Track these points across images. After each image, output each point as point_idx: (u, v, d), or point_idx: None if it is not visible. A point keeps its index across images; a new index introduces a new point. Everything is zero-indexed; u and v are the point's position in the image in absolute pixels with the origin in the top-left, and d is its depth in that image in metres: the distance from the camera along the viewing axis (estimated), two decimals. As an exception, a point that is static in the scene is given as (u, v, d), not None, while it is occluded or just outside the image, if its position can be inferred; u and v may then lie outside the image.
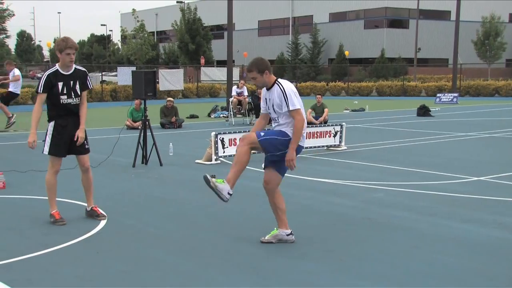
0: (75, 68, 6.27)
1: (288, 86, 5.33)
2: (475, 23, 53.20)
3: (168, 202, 7.39)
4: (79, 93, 6.26)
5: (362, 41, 58.14)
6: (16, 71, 15.62)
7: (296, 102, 5.27)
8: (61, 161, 6.41)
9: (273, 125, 5.51)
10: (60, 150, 6.29)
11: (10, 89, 15.74)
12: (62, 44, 6.05)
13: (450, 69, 41.92)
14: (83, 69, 6.45)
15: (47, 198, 6.38)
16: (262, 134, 5.29)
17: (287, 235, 5.55)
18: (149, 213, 6.81)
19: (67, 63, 6.12)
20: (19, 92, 16.00)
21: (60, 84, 6.13)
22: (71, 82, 6.19)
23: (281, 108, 5.28)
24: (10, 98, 15.82)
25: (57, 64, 6.24)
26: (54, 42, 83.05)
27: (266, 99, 5.47)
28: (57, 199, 6.83)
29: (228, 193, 5.20)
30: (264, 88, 5.50)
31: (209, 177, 5.16)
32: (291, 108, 5.24)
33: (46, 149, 6.28)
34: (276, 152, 5.31)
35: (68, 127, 6.25)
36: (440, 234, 5.97)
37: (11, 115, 15.39)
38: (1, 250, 5.27)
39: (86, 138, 6.42)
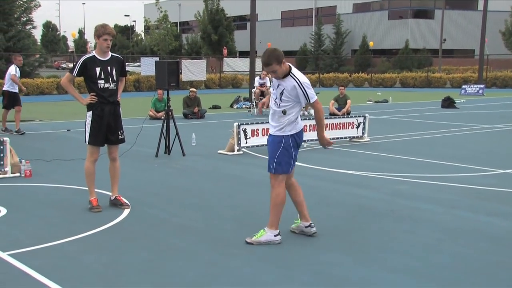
0: (111, 55, 6.45)
1: (302, 78, 5.31)
2: (503, 13, 52.11)
3: (191, 192, 7.44)
4: (115, 78, 6.42)
5: (386, 32, 57.52)
6: (12, 69, 13.39)
7: (313, 92, 5.27)
8: (100, 149, 6.54)
9: (270, 114, 5.44)
10: (99, 139, 6.42)
11: (5, 89, 13.48)
12: (101, 30, 6.22)
13: (476, 60, 41.30)
14: (120, 56, 6.65)
15: (72, 186, 6.46)
16: (270, 165, 5.34)
17: (305, 227, 5.55)
18: (172, 203, 6.85)
19: (104, 48, 6.29)
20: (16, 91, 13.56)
21: (98, 69, 6.29)
22: (108, 68, 6.36)
23: (297, 98, 5.23)
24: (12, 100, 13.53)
25: (93, 51, 6.40)
26: (78, 32, 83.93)
27: (277, 85, 5.38)
28: (80, 187, 6.93)
29: (276, 236, 5.33)
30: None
31: (248, 241, 5.30)
32: (311, 101, 5.24)
33: (86, 139, 6.42)
34: (290, 159, 5.32)
35: (104, 117, 6.38)
36: (464, 227, 5.90)
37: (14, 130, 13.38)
38: (29, 237, 5.36)
39: (121, 128, 6.58)
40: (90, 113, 6.36)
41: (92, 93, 6.33)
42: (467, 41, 55.76)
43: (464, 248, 5.22)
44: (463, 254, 5.08)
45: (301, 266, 4.72)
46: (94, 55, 6.32)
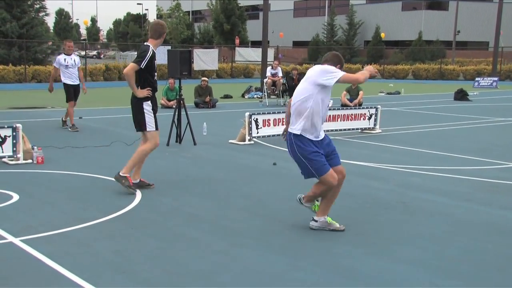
0: None
1: None
2: (519, 5, 51.53)
3: (201, 181, 7.44)
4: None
5: (399, 23, 57.04)
6: (55, 60, 12.26)
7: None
8: None
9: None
10: (157, 124, 6.84)
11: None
12: (163, 30, 6.66)
13: (490, 53, 40.87)
14: None
15: (83, 174, 6.50)
16: (301, 173, 5.36)
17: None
18: (183, 192, 6.86)
19: (159, 45, 6.70)
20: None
21: (155, 62, 6.66)
22: (155, 63, 6.72)
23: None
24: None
25: (150, 45, 6.58)
26: (91, 20, 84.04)
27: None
28: (91, 175, 6.97)
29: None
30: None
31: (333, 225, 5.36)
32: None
33: (153, 126, 6.74)
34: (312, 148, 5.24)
35: (154, 106, 6.81)
36: (477, 220, 5.86)
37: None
38: (41, 224, 5.40)
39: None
40: (148, 102, 6.66)
41: (148, 87, 6.63)
42: (482, 33, 55.14)
43: (477, 241, 5.18)
44: (475, 247, 5.04)
45: (311, 257, 4.71)
46: (153, 49, 6.57)
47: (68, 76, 11.79)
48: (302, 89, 5.22)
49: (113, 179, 6.77)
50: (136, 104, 6.67)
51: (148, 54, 6.46)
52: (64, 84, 11.88)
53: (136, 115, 6.72)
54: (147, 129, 6.71)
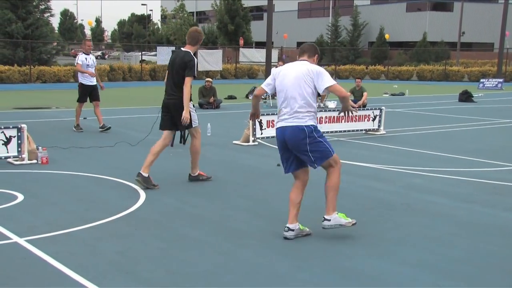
0: None
1: None
2: (524, 6, 51.40)
3: (205, 182, 7.45)
4: None
5: (403, 24, 56.98)
6: (77, 58, 11.93)
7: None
8: None
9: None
10: None
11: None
12: (200, 36, 7.02)
13: (495, 54, 40.76)
14: None
15: (88, 174, 6.54)
16: (313, 162, 5.32)
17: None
18: (187, 193, 6.88)
19: (196, 51, 7.10)
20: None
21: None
22: None
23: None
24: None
25: (190, 51, 6.93)
26: (95, 21, 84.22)
27: None
28: (96, 175, 7.00)
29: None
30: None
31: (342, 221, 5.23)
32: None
33: (197, 122, 7.27)
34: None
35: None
36: (481, 222, 5.86)
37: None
38: (46, 224, 5.42)
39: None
40: (191, 103, 7.12)
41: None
42: (487, 34, 55.03)
43: (480, 243, 5.18)
44: (479, 248, 5.04)
45: (314, 258, 4.71)
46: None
47: (87, 75, 11.62)
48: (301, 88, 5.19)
49: (116, 179, 6.79)
50: (182, 104, 6.98)
51: (195, 62, 6.89)
52: (82, 84, 11.70)
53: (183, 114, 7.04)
54: (193, 125, 7.16)
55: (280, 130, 5.23)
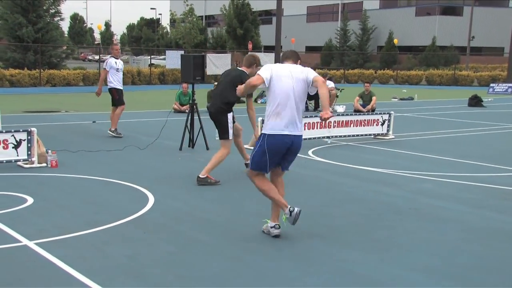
0: None
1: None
2: (534, 10, 51.20)
3: (214, 186, 7.45)
4: None
5: (412, 28, 56.81)
6: (104, 64, 11.98)
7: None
8: None
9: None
10: None
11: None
12: (254, 61, 7.41)
13: (506, 58, 40.57)
14: None
15: (96, 177, 6.56)
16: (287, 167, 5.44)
17: (271, 227, 5.36)
18: (195, 196, 6.88)
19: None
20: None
21: None
22: None
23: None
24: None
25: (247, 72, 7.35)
26: (105, 25, 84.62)
27: None
28: (105, 179, 7.01)
29: (271, 227, 5.30)
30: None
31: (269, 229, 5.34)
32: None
33: (231, 135, 7.69)
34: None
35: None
36: (491, 228, 5.82)
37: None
38: (55, 227, 5.44)
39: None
40: (232, 114, 7.63)
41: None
42: (497, 38, 54.74)
43: (490, 249, 5.15)
44: (488, 254, 5.00)
45: (324, 263, 4.70)
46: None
47: (117, 80, 11.63)
48: (304, 90, 5.24)
49: (125, 183, 6.81)
50: (225, 116, 7.50)
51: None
52: (114, 89, 11.62)
53: (223, 125, 7.52)
54: (229, 138, 7.58)
55: (290, 138, 5.17)
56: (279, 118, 5.13)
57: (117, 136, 11.43)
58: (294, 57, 5.46)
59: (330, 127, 11.28)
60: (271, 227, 5.33)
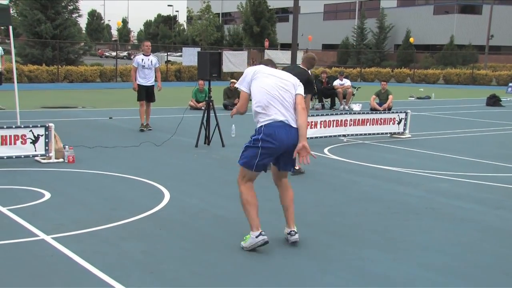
0: None
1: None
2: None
3: (229, 183, 7.45)
4: None
5: (430, 27, 56.34)
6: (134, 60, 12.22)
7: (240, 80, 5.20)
8: None
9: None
10: None
11: None
12: (314, 62, 7.61)
13: (525, 58, 40.04)
14: None
15: (113, 173, 6.60)
16: (291, 167, 5.45)
17: (287, 233, 5.12)
18: (210, 193, 6.90)
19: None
20: None
21: None
22: None
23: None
24: None
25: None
26: (122, 21, 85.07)
27: None
28: (121, 175, 7.07)
29: (257, 237, 4.83)
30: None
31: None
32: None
33: None
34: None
35: None
36: (508, 228, 5.76)
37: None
38: (71, 222, 5.49)
39: None
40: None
41: None
42: (516, 37, 54.13)
43: (507, 249, 5.09)
44: (505, 255, 4.95)
45: (340, 262, 4.69)
46: None
47: (142, 76, 11.85)
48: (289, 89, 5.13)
49: (140, 179, 6.84)
50: None
51: (313, 80, 7.50)
52: (138, 84, 11.92)
53: None
54: None
55: (285, 123, 5.10)
56: (267, 114, 5.06)
57: (145, 130, 11.88)
58: (272, 65, 5.29)
59: (346, 126, 11.23)
60: (287, 234, 5.13)
